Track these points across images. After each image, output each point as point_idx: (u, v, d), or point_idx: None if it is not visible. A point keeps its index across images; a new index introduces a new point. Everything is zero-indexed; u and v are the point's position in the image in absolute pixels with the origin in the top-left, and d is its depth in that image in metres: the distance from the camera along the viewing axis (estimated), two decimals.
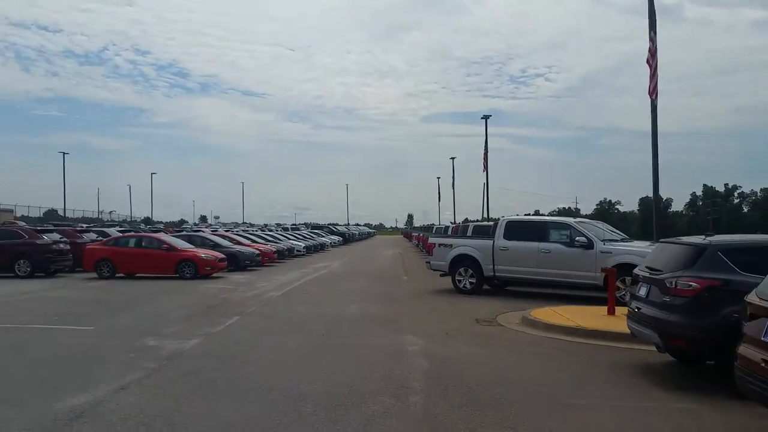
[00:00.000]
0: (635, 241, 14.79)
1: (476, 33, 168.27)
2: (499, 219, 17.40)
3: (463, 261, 15.28)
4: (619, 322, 9.64)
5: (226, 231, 37.73)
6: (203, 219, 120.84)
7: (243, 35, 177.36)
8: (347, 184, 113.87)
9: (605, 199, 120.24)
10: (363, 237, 77.36)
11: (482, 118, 40.78)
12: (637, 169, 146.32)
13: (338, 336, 9.17)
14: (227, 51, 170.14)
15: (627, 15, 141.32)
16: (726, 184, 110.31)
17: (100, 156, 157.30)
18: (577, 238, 13.69)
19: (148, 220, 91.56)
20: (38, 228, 20.51)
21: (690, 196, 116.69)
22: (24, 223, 44.05)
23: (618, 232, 15.71)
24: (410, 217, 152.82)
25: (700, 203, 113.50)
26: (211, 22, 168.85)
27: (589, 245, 13.52)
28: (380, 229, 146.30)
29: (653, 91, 17.79)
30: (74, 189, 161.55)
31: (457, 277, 15.29)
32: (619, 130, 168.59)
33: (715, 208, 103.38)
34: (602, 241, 13.72)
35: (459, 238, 16.57)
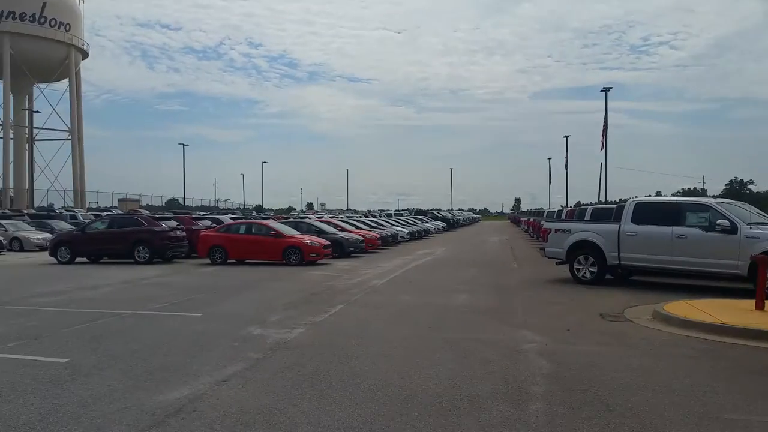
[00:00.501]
0: None
1: (593, 0, 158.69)
2: (618, 201, 15.81)
3: (582, 248, 13.98)
4: None
5: (330, 217, 38.29)
6: (310, 206, 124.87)
7: (350, 21, 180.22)
8: (451, 168, 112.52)
9: (736, 178, 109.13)
10: (468, 222, 75.83)
11: (602, 90, 37.69)
12: None
13: (446, 329, 8.50)
14: (335, 38, 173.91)
15: None
16: None
17: (217, 147, 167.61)
18: (718, 222, 11.97)
19: (259, 208, 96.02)
20: (157, 216, 21.70)
21: None
22: (147, 212, 47.61)
23: (765, 214, 13.62)
24: (517, 201, 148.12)
25: None
26: (321, 10, 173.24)
27: (732, 229, 11.77)
28: (485, 214, 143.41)
29: None
30: (193, 179, 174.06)
31: (576, 266, 14.03)
32: (755, 101, 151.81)
33: None
34: (748, 224, 11.90)
35: (575, 223, 15.23)
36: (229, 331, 8.18)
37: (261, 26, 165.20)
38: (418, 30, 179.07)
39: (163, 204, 78.91)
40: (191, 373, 6.07)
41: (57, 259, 19.08)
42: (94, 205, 66.24)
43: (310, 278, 15.22)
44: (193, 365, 6.36)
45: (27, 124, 55.95)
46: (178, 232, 20.07)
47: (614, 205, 24.31)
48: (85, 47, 63.87)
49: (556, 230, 14.58)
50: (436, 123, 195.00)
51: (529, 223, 37.41)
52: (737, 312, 9.21)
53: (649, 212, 13.28)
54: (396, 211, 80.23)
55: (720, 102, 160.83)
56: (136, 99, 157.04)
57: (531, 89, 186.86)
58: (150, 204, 76.57)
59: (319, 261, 19.42)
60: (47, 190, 61.88)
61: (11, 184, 58.06)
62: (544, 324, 8.98)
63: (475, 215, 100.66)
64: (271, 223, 21.02)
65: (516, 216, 75.99)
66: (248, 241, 19.30)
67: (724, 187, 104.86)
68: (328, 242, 20.16)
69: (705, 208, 12.64)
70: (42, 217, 31.98)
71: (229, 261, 19.19)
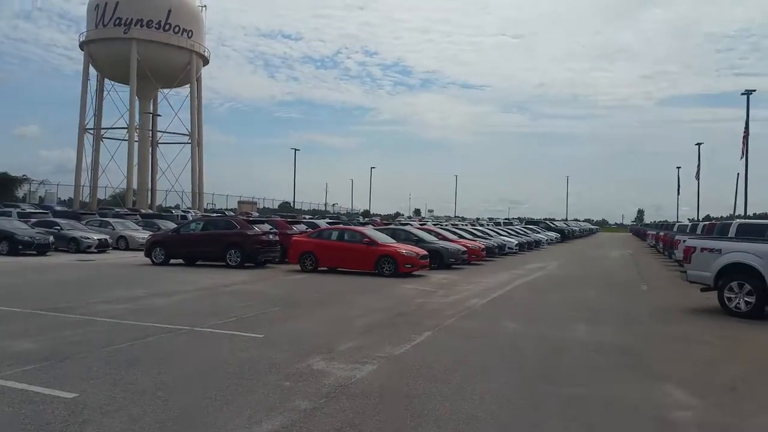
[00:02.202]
0: None
1: (728, 3, 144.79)
2: (754, 216, 12.59)
3: (736, 272, 11.12)
4: None
5: (434, 225, 36.52)
6: (417, 212, 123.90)
7: (467, 29, 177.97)
8: (567, 176, 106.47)
9: None
10: (584, 234, 70.63)
11: (742, 94, 33.98)
12: None
13: (561, 379, 6.41)
14: (450, 46, 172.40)
15: None
16: None
17: (330, 153, 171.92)
18: None
19: (366, 213, 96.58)
20: (250, 219, 21.13)
21: None
22: (257, 213, 48.73)
23: None
24: (640, 212, 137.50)
25: None
26: (437, 18, 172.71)
27: None
28: (604, 225, 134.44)
29: None
30: (307, 183, 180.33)
31: (727, 294, 11.18)
32: None
33: None
34: None
35: (726, 241, 12.28)
36: (286, 361, 6.69)
37: (377, 35, 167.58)
38: (536, 36, 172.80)
39: (276, 207, 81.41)
40: (219, 422, 4.60)
41: (152, 260, 18.97)
42: (211, 207, 69.73)
43: (400, 293, 13.55)
44: (221, 416, 4.87)
45: (150, 128, 59.66)
46: (270, 237, 19.28)
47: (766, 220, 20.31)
48: (206, 53, 66.94)
49: (703, 249, 11.75)
50: (551, 130, 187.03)
51: (659, 237, 33.21)
52: None
53: None
54: (506, 219, 76.74)
55: None
56: (256, 107, 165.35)
57: (657, 96, 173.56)
58: (265, 207, 79.44)
59: (415, 273, 17.72)
60: (166, 191, 65.81)
61: (135, 185, 62.06)
62: (694, 376, 6.66)
63: (592, 226, 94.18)
64: (364, 229, 19.65)
65: (640, 228, 69.55)
66: (340, 248, 18.04)
67: None
68: (426, 252, 18.40)
69: None
70: (154, 217, 33.18)
71: (320, 268, 18.05)
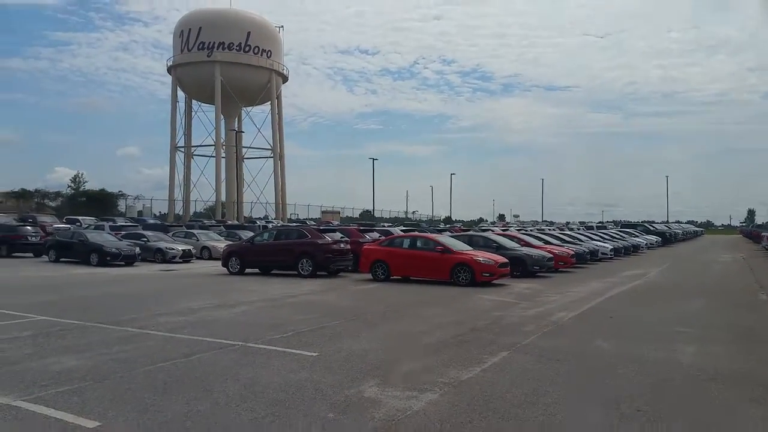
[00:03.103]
0: None
1: None
2: None
3: None
4: None
5: (517, 230, 34.74)
6: (501, 217, 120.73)
7: (547, 30, 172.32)
8: (667, 176, 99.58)
9: None
10: (688, 237, 65.22)
11: None
12: None
13: (671, 419, 5.11)
14: (530, 49, 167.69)
15: None
16: None
17: (410, 162, 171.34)
18: None
19: (448, 219, 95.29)
20: (321, 228, 20.68)
21: None
22: (336, 222, 48.96)
23: None
24: (751, 212, 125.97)
25: None
26: (515, 21, 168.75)
27: None
28: (708, 227, 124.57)
29: None
30: (388, 192, 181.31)
31: None
32: None
33: None
34: None
35: None
36: (335, 386, 5.84)
37: (453, 43, 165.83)
38: (624, 34, 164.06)
39: (358, 216, 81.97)
40: None
41: (228, 270, 18.94)
42: (294, 217, 71.24)
43: (476, 305, 12.40)
44: None
45: (235, 144, 61.80)
46: (342, 245, 18.70)
47: None
48: (284, 71, 68.74)
49: None
50: (645, 129, 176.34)
51: None
52: None
53: None
54: (599, 223, 72.61)
55: None
56: (337, 120, 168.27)
57: (763, 89, 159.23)
58: (347, 216, 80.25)
59: (494, 281, 16.44)
60: (252, 203, 67.86)
61: (223, 198, 64.47)
62: None
63: (696, 228, 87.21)
64: (437, 237, 18.58)
65: (752, 230, 63.30)
66: (412, 256, 17.10)
67: None
68: (506, 260, 17.06)
69: None
70: (237, 228, 33.84)
71: (393, 277, 17.20)
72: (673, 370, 6.82)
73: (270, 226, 34.40)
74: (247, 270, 19.05)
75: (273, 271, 19.12)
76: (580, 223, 75.48)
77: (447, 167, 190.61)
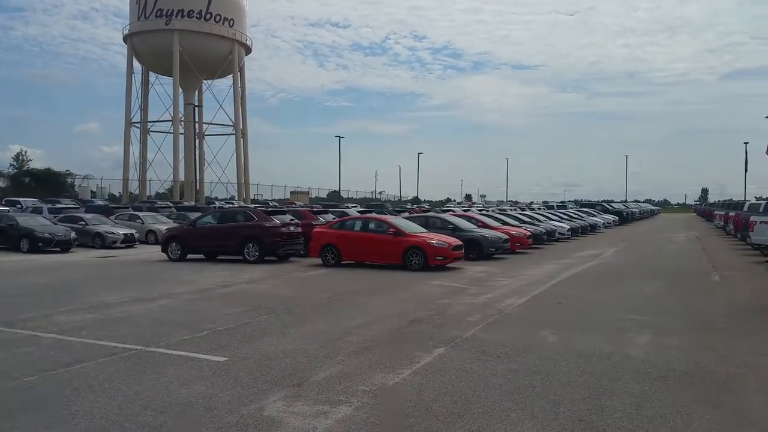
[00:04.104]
0: None
1: None
2: None
3: None
4: None
5: (479, 210, 34.30)
6: (468, 197, 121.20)
7: (520, 7, 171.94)
8: (626, 156, 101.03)
9: None
10: (645, 215, 66.25)
11: None
12: None
13: (616, 430, 4.47)
14: (501, 25, 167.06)
15: None
16: None
17: (381, 140, 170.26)
18: None
19: (415, 200, 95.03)
20: (269, 209, 19.65)
21: None
22: (300, 203, 47.76)
23: None
24: (704, 191, 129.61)
25: None
26: None
27: None
28: (664, 206, 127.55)
29: None
30: (357, 172, 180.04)
31: None
32: None
33: None
34: None
35: None
36: (231, 402, 5.00)
37: (426, 18, 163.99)
38: (592, 11, 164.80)
39: (326, 196, 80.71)
40: None
41: (168, 256, 17.79)
42: (259, 197, 69.51)
43: (423, 292, 11.72)
44: None
45: (194, 119, 59.54)
46: (292, 228, 17.75)
47: None
48: (248, 42, 66.10)
49: None
50: (609, 109, 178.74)
51: (729, 218, 29.87)
52: None
53: None
54: (560, 203, 73.13)
55: None
56: (307, 96, 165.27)
57: (721, 70, 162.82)
58: (318, 196, 78.87)
59: (449, 265, 15.82)
60: (210, 182, 65.81)
61: (182, 177, 62.23)
62: None
63: (653, 207, 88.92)
64: (389, 218, 17.81)
65: (705, 208, 64.70)
66: (363, 239, 16.31)
67: None
68: (460, 242, 16.45)
69: None
70: (190, 209, 32.41)
71: (344, 262, 16.40)
72: (623, 366, 6.23)
73: (230, 207, 33.09)
74: (191, 256, 17.94)
75: (219, 257, 18.08)
76: (543, 202, 75.95)
77: (417, 146, 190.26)
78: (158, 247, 19.50)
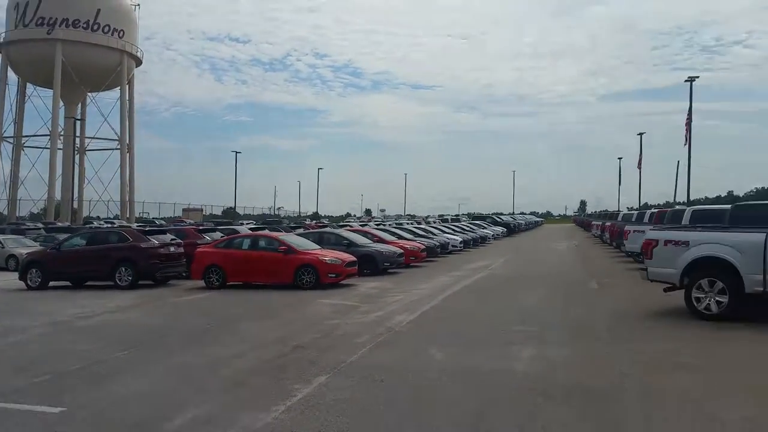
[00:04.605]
0: None
1: (663, 1, 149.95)
2: (687, 203, 10.93)
3: (705, 267, 9.29)
4: None
5: (377, 225, 34.29)
6: (368, 212, 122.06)
7: (415, 29, 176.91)
8: (513, 171, 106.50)
9: None
10: (530, 226, 70.01)
11: (686, 80, 33.63)
12: None
13: None
14: (399, 47, 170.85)
15: None
16: None
17: (281, 156, 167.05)
18: None
19: (315, 215, 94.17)
20: (146, 228, 18.23)
21: None
22: (190, 221, 45.34)
23: None
24: (583, 203, 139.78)
25: None
26: (386, 19, 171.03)
27: None
28: (548, 217, 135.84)
29: None
30: (257, 188, 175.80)
31: (696, 293, 9.34)
32: None
33: None
34: None
35: (695, 231, 10.47)
36: None
37: (327, 36, 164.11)
38: (485, 36, 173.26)
39: (221, 214, 77.52)
40: None
41: (26, 284, 15.79)
42: (146, 216, 65.34)
43: (314, 312, 11.17)
44: None
45: (75, 134, 55.17)
46: (172, 249, 16.46)
47: (724, 206, 18.99)
48: (138, 53, 62.59)
49: (667, 242, 9.87)
50: (501, 128, 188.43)
51: (605, 227, 32.02)
52: None
53: None
54: (455, 216, 75.49)
55: None
56: (205, 111, 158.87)
57: (599, 92, 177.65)
58: (212, 213, 75.41)
59: (342, 282, 15.36)
60: (90, 201, 61.36)
61: (58, 195, 57.28)
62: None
63: (537, 219, 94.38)
64: (280, 235, 17.10)
65: (584, 219, 69.51)
66: (252, 258, 15.42)
67: None
68: (354, 258, 16.05)
69: None
70: (63, 230, 29.52)
71: (231, 284, 15.41)
72: (506, 384, 6.05)
73: (105, 227, 30.46)
74: (55, 283, 16.05)
75: (88, 283, 16.33)
76: (438, 216, 78.04)
77: (317, 162, 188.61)
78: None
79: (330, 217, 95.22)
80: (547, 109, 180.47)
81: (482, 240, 36.39)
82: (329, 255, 15.56)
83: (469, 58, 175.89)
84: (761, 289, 8.75)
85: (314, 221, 61.19)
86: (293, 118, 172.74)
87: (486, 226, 44.57)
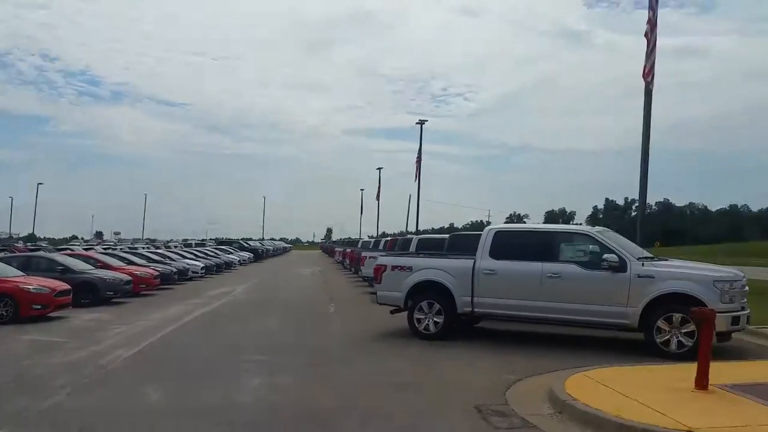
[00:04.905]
0: (672, 260, 10.35)
1: (403, 51, 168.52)
2: (416, 232, 12.52)
3: (426, 290, 10.21)
4: (740, 411, 5.47)
5: (112, 248, 30.61)
6: (98, 235, 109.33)
7: (164, 43, 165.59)
8: (264, 197, 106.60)
9: (514, 212, 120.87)
10: (278, 252, 70.52)
11: (417, 123, 38.29)
12: (544, 185, 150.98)
13: None
14: (144, 59, 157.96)
15: (544, 38, 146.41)
16: (626, 198, 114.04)
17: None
18: (604, 257, 9.00)
19: (31, 237, 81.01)
20: None
21: (592, 209, 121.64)
22: None
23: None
24: (329, 231, 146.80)
25: (601, 216, 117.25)
26: (131, 27, 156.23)
27: (621, 266, 8.87)
28: (297, 243, 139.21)
29: (648, 73, 14.16)
30: None
31: (417, 315, 10.18)
32: (531, 148, 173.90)
33: (616, 220, 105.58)
34: (638, 260, 9.12)
35: (417, 257, 11.49)
36: None
37: (59, 39, 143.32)
38: (237, 60, 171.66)
39: None
40: None
41: None
42: None
43: (4, 352, 9.17)
44: None
45: None
46: None
47: (443, 234, 21.50)
48: None
49: (394, 267, 10.60)
50: (253, 153, 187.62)
51: (346, 253, 33.82)
52: (678, 396, 5.94)
53: (513, 244, 9.99)
54: (201, 240, 72.00)
55: (504, 148, 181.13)
56: None
57: (345, 126, 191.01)
58: None
59: (53, 314, 13.06)
60: None
61: None
62: None
63: (286, 245, 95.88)
64: None
65: (329, 246, 72.90)
66: None
67: (505, 220, 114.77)
68: (68, 287, 13.81)
69: (586, 238, 9.67)
70: None
71: None
72: (228, 420, 5.60)
73: None
74: None
75: None
76: (182, 240, 73.60)
77: (39, 176, 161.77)
78: None
79: (51, 240, 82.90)
80: (298, 138, 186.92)
81: (227, 266, 35.23)
82: (34, 283, 13.14)
83: (221, 79, 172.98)
84: (470, 309, 9.90)
85: (27, 243, 52.44)
86: (13, 126, 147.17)
87: (233, 251, 43.42)
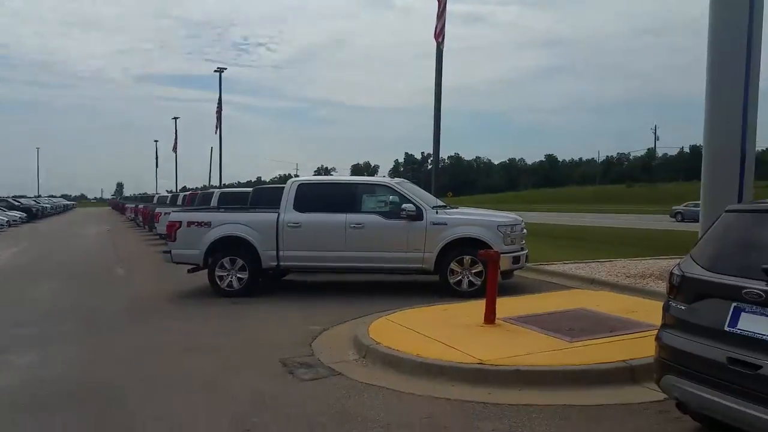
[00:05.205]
0: (462, 207, 11.19)
1: None
2: (221, 186, 12.13)
3: (227, 247, 9.69)
4: (523, 341, 6.09)
5: None
6: None
7: None
8: (38, 148, 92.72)
9: (322, 165, 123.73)
10: (58, 211, 62.26)
11: (215, 71, 35.82)
12: (349, 140, 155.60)
13: None
14: None
15: None
16: (422, 152, 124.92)
17: None
18: (403, 206, 9.39)
19: None
20: None
21: (393, 163, 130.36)
22: None
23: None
24: (120, 186, 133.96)
25: (402, 169, 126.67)
26: None
27: (417, 215, 9.35)
28: (82, 200, 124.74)
29: (439, 34, 15.13)
30: None
31: (219, 272, 9.66)
32: (332, 103, 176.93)
33: (414, 173, 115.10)
34: (433, 208, 9.71)
35: (216, 212, 10.82)
36: None
37: None
38: None
39: None
40: None
41: None
42: None
43: None
44: None
45: None
46: None
47: (248, 188, 20.81)
48: None
49: (190, 223, 9.82)
50: (19, 98, 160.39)
51: (138, 210, 31.00)
52: (467, 334, 6.46)
53: (317, 196, 9.93)
54: None
55: (307, 102, 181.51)
56: None
57: (135, 72, 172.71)
58: None
59: None
60: None
61: None
62: (193, 417, 4.39)
63: (69, 202, 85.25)
64: None
65: (119, 202, 66.40)
66: None
67: (313, 173, 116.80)
68: None
69: (386, 189, 9.93)
70: None
71: None
72: None
73: None
74: None
75: None
76: None
77: None
78: None
79: None
80: (77, 82, 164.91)
81: None
82: None
83: None
84: (276, 263, 9.64)
85: None
86: None
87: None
